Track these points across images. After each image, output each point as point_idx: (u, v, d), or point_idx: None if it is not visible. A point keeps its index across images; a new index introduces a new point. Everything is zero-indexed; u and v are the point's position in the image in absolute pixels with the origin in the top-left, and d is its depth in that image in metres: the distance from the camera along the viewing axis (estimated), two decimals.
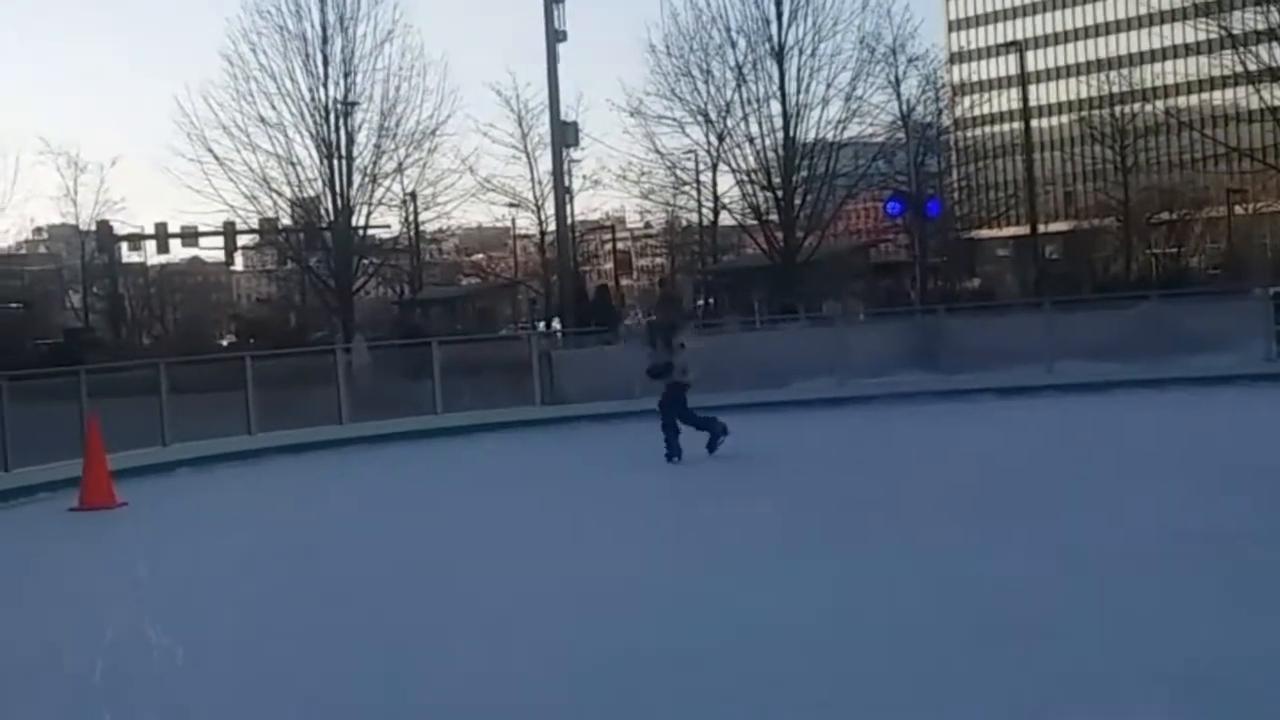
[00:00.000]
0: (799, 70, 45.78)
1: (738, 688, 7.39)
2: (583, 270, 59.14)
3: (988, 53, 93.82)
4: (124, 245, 61.21)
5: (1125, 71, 73.35)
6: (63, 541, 14.60)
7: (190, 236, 54.60)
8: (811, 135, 46.55)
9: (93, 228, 59.47)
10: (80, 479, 16.20)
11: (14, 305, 65.29)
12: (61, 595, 11.30)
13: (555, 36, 37.73)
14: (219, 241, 53.57)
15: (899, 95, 49.03)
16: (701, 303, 56.28)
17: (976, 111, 65.33)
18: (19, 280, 71.34)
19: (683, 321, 21.17)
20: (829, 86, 46.07)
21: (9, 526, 15.68)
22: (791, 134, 45.92)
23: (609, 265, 74.75)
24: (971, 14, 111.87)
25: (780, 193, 46.17)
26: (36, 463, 17.78)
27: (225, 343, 64.10)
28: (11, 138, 79.27)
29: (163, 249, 58.42)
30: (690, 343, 18.22)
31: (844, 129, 47.05)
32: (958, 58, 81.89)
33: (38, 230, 79.51)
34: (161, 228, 55.43)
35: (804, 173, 46.55)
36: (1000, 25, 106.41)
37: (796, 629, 8.57)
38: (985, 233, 65.34)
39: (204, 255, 70.55)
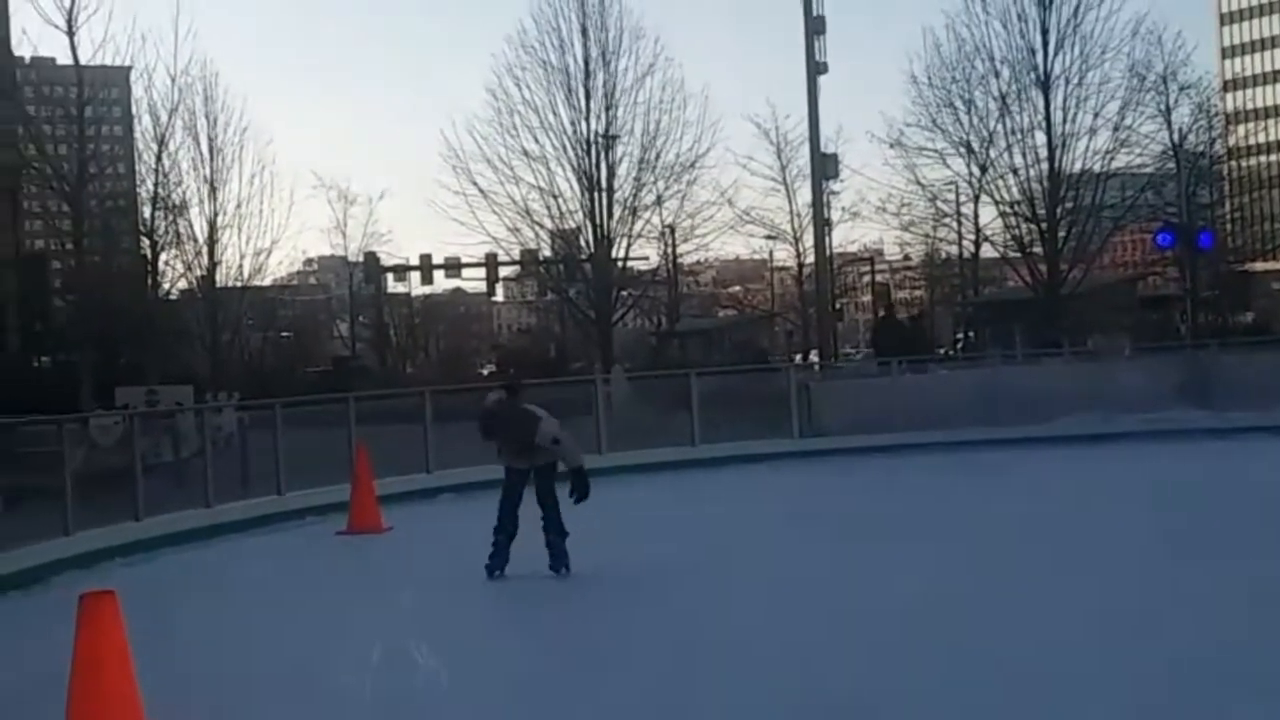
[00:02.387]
0: (1065, 100, 44.79)
1: None
2: (840, 303, 58.83)
3: (1264, 79, 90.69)
4: (390, 276, 62.81)
5: None
6: (332, 564, 14.93)
7: (453, 268, 55.84)
8: (1078, 166, 45.50)
9: (360, 259, 61.14)
10: (349, 503, 16.57)
11: (285, 334, 67.50)
12: (331, 616, 11.52)
13: (816, 68, 37.57)
14: (481, 272, 54.65)
15: (1169, 124, 47.51)
16: (961, 335, 55.42)
17: (1252, 140, 63.04)
18: (290, 310, 73.76)
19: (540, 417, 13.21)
20: (1096, 116, 44.97)
21: (281, 549, 16.09)
22: (1057, 165, 44.93)
23: (867, 298, 74.18)
24: (1247, 40, 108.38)
25: (1044, 224, 45.21)
26: (307, 487, 18.21)
27: (486, 372, 65.26)
28: (287, 173, 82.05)
29: (426, 280, 59.80)
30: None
31: (1111, 159, 45.87)
32: (1232, 85, 79.10)
33: (308, 261, 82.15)
34: (426, 259, 56.78)
35: (1069, 204, 45.50)
36: (1277, 51, 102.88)
37: None
38: (1261, 265, 62.97)
39: (466, 286, 72.03)
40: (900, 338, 31.81)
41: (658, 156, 47.77)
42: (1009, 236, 47.43)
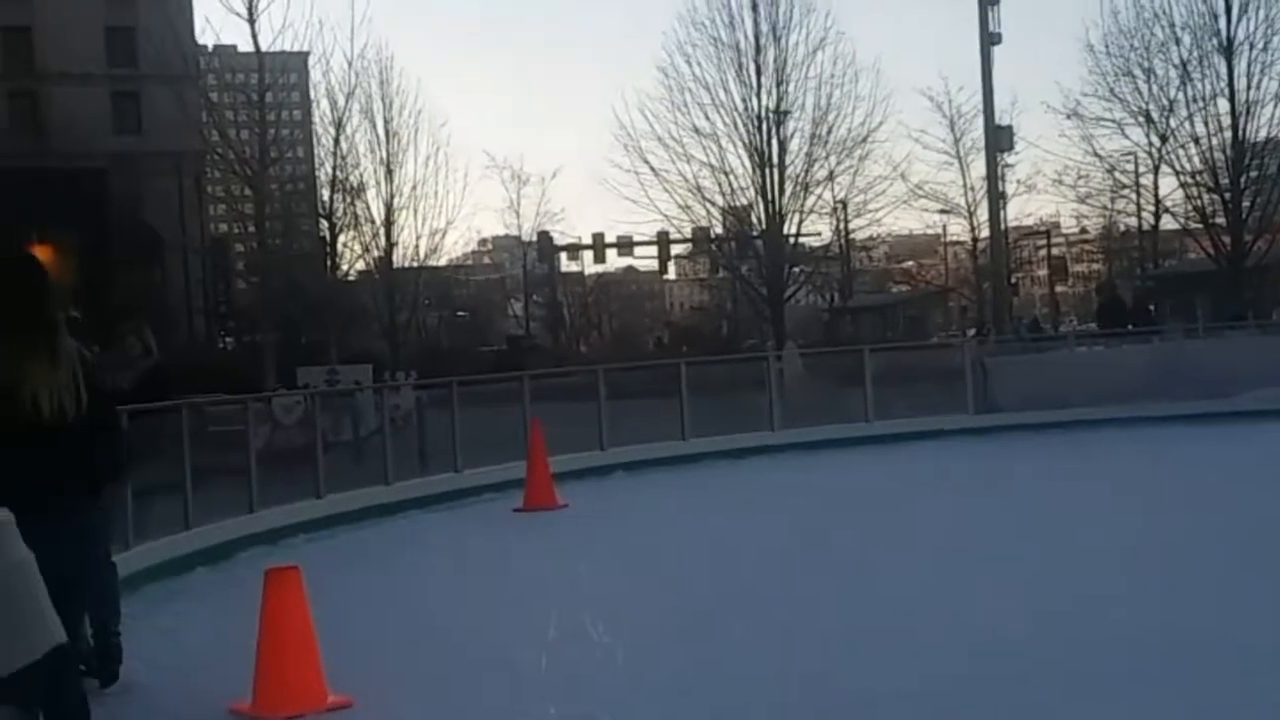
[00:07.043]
0: (1249, 66, 43.80)
1: None
2: (1016, 277, 58.01)
3: None
4: (563, 255, 63.43)
5: None
6: (509, 540, 15.09)
7: (625, 246, 56.23)
8: (1262, 134, 44.48)
9: (534, 238, 61.84)
10: (524, 480, 16.75)
11: (460, 314, 68.44)
12: (508, 593, 11.66)
13: (989, 39, 37.12)
14: (653, 251, 55.00)
15: None
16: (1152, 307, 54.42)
17: None
18: (465, 289, 74.82)
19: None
20: None
21: (459, 525, 16.30)
22: (1240, 133, 43.88)
23: (1042, 272, 73.09)
24: None
25: (1228, 195, 44.19)
26: (483, 464, 18.44)
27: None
28: (461, 154, 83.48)
29: (599, 258, 60.30)
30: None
31: None
32: None
33: (483, 241, 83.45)
34: (598, 238, 57.21)
35: (1254, 173, 44.43)
36: None
37: None
38: None
39: (638, 264, 72.63)
40: (1123, 317, 31.25)
41: (829, 131, 47.68)
42: (1190, 207, 46.49)
